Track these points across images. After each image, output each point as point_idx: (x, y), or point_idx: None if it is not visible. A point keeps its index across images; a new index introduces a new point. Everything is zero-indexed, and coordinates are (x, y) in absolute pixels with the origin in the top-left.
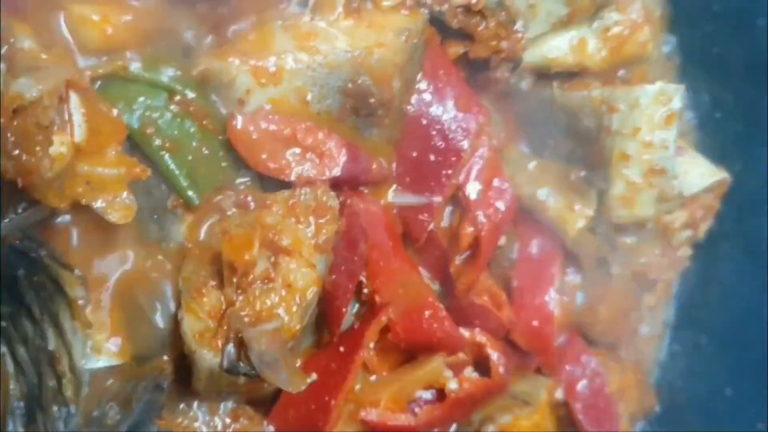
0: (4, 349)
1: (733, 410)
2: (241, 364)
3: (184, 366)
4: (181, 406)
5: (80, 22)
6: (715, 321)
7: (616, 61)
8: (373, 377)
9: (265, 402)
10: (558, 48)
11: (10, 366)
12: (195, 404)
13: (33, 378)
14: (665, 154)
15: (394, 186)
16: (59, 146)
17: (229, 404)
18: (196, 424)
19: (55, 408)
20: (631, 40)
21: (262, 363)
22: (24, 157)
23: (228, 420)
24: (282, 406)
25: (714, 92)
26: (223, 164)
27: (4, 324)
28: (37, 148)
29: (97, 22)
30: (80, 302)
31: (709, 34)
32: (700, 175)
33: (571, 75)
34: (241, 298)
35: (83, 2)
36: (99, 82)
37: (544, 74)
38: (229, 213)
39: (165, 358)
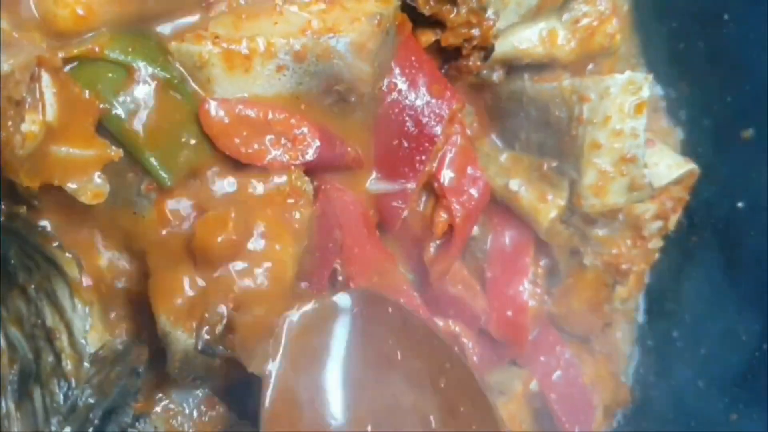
0: None
1: (705, 402)
2: (220, 347)
3: (159, 353)
4: (158, 395)
5: (52, 2)
6: (687, 313)
7: (586, 52)
8: None
9: (238, 389)
10: (528, 39)
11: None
12: (171, 392)
13: (28, 354)
14: (635, 143)
15: (369, 172)
16: (31, 124)
17: (205, 392)
18: (172, 412)
19: (55, 382)
20: (599, 31)
21: (242, 346)
22: None
23: (204, 408)
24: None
25: (681, 87)
26: (195, 145)
27: None
28: (9, 123)
29: (68, 1)
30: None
31: (675, 30)
32: (668, 167)
33: (542, 67)
34: (215, 280)
35: None
36: (71, 63)
37: (514, 66)
38: (203, 198)
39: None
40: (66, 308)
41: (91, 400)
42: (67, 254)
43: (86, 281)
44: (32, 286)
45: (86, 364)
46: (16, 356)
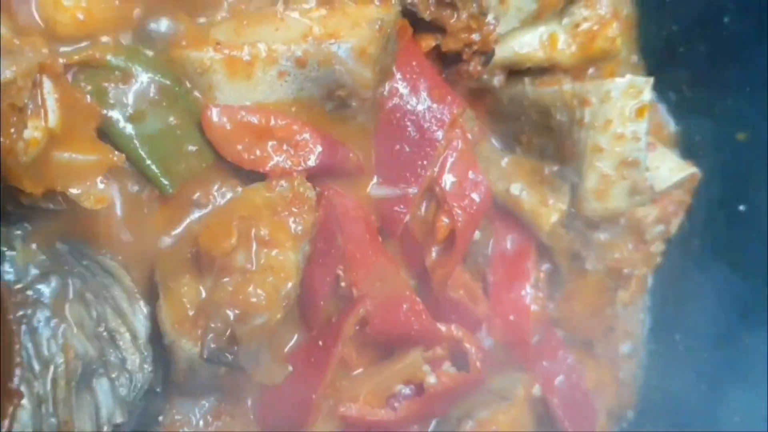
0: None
1: (709, 405)
2: (226, 354)
3: (166, 364)
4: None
5: (52, 7)
6: (689, 317)
7: (586, 56)
8: (351, 372)
9: (243, 399)
10: (528, 44)
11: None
12: (176, 402)
13: (90, 351)
14: (637, 146)
15: (370, 177)
16: (33, 131)
17: (211, 402)
18: (178, 423)
19: (119, 375)
20: (600, 35)
21: (246, 355)
22: None
23: (210, 418)
24: (264, 402)
25: (681, 89)
26: (197, 152)
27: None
28: (12, 130)
29: (68, 7)
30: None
31: (676, 33)
32: (669, 170)
33: (542, 71)
34: (220, 287)
35: None
36: (72, 69)
37: (515, 70)
38: (205, 205)
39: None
40: (127, 313)
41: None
42: (115, 262)
43: None
44: (88, 294)
45: (147, 366)
46: (77, 354)
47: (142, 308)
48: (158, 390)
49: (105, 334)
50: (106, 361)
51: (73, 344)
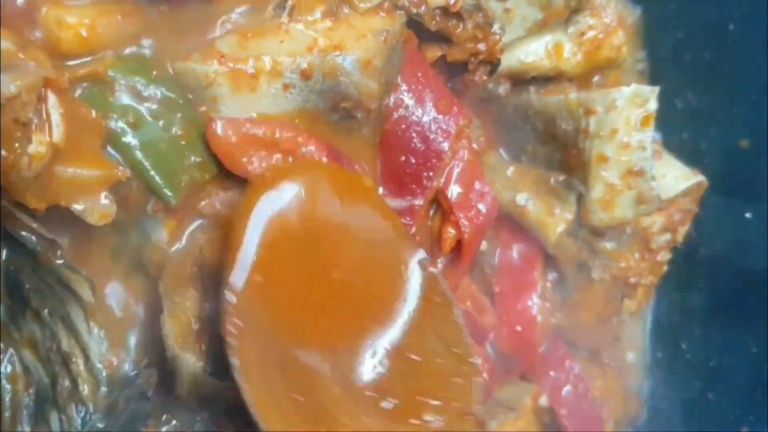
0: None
1: (716, 414)
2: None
3: (166, 375)
4: (164, 416)
5: (56, 24)
6: (696, 325)
7: (592, 64)
8: None
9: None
10: (534, 52)
11: (15, 367)
12: (179, 413)
13: (44, 379)
14: (642, 155)
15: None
16: (37, 145)
17: (213, 413)
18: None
19: (72, 407)
20: (605, 43)
21: None
22: (3, 153)
23: (212, 429)
24: None
25: (687, 97)
26: (201, 164)
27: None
28: (16, 145)
29: (72, 24)
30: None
31: (681, 40)
32: (676, 178)
33: (548, 80)
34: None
35: (60, 5)
36: (77, 83)
37: (520, 79)
38: (209, 217)
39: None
40: (81, 332)
41: (100, 425)
42: (83, 272)
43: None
44: (46, 310)
45: (103, 389)
46: (32, 380)
47: (98, 327)
48: (149, 394)
49: (57, 356)
50: (58, 391)
51: (25, 366)
